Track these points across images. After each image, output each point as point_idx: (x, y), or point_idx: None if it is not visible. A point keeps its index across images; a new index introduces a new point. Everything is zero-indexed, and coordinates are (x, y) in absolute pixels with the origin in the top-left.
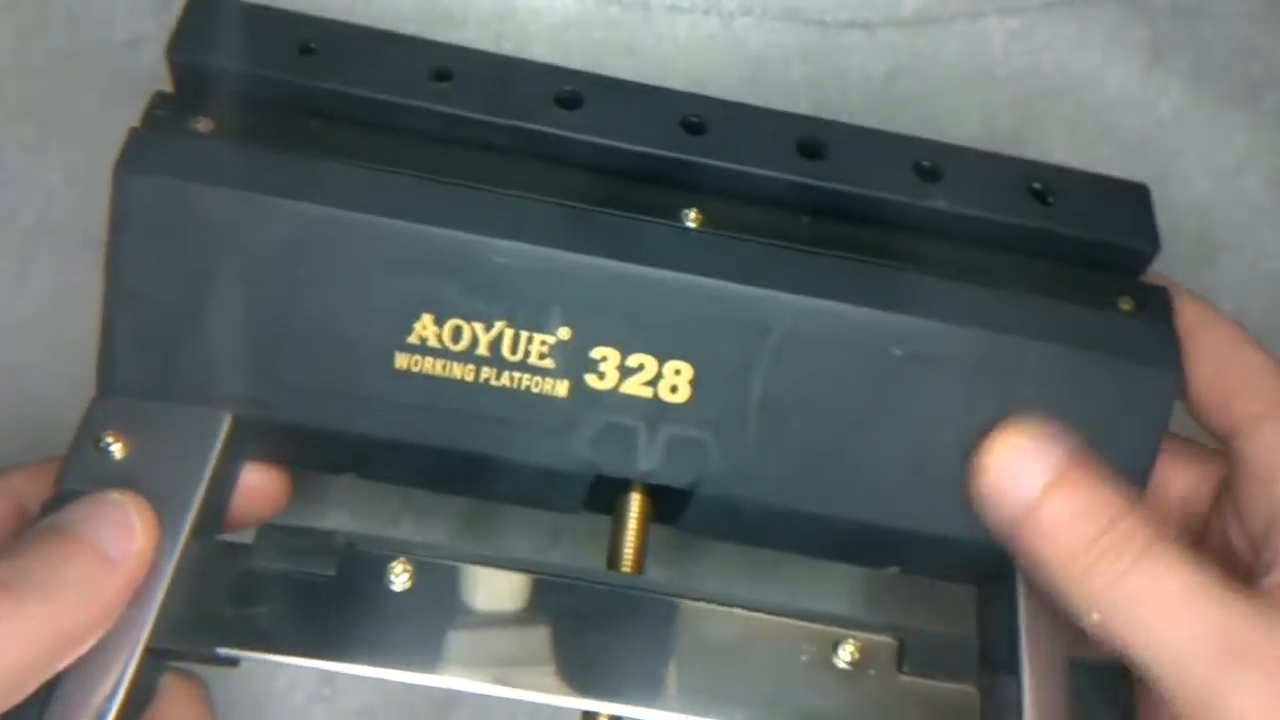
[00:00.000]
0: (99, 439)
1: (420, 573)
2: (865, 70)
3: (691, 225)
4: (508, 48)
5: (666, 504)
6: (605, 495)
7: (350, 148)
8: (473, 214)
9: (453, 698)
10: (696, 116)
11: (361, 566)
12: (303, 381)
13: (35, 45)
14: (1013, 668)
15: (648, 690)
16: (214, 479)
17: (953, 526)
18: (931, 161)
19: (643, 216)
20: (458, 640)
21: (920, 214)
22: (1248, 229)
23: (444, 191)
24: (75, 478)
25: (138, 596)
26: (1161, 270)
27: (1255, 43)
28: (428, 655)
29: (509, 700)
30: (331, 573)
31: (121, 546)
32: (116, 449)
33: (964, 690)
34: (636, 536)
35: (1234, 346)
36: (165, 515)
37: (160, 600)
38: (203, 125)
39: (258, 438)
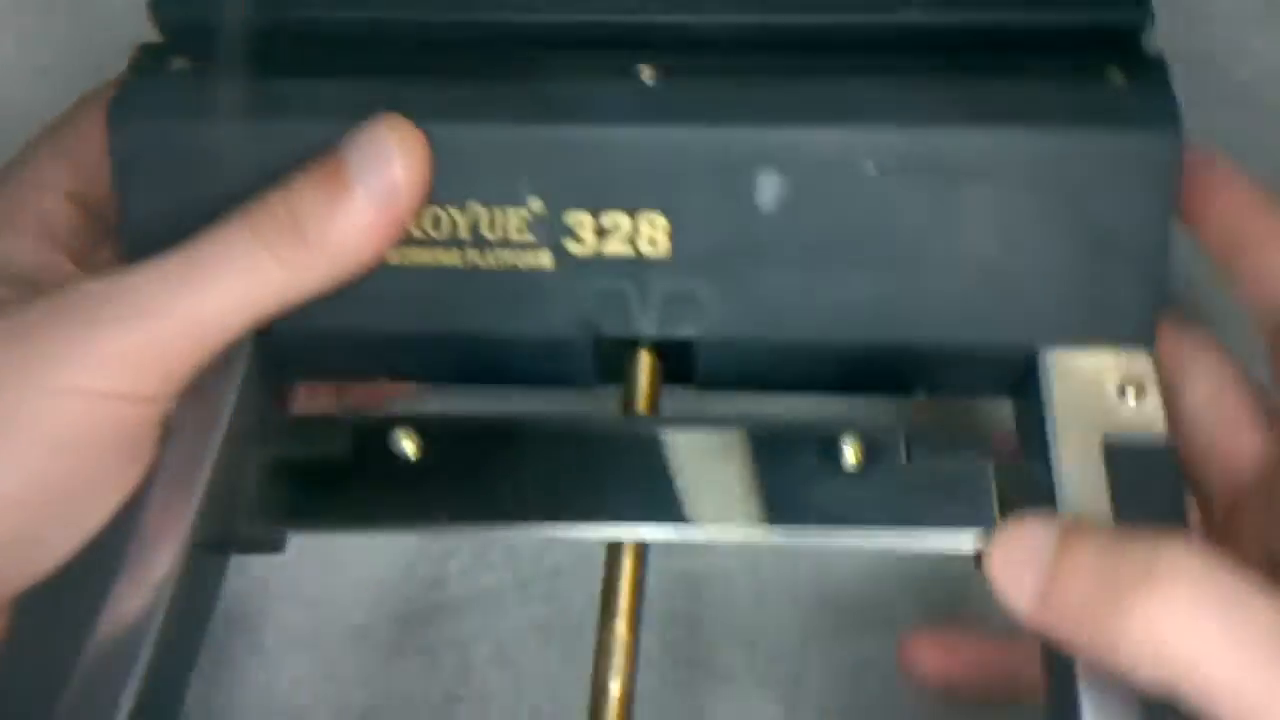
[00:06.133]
0: None
1: (427, 439)
2: None
3: (647, 81)
4: None
5: (676, 361)
6: (616, 362)
7: (311, 65)
8: (425, 104)
9: (454, 695)
10: None
11: (370, 441)
12: None
13: (41, 47)
14: (1043, 452)
15: (662, 514)
16: (240, 398)
17: (964, 332)
18: None
19: (595, 79)
20: (471, 492)
21: (893, 31)
22: None
23: (394, 88)
24: None
25: (182, 490)
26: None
27: (1249, 45)
28: (447, 510)
29: (511, 694)
30: (347, 451)
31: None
32: None
33: (971, 458)
34: (648, 392)
35: None
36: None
37: (200, 495)
38: (180, 63)
39: (278, 353)
